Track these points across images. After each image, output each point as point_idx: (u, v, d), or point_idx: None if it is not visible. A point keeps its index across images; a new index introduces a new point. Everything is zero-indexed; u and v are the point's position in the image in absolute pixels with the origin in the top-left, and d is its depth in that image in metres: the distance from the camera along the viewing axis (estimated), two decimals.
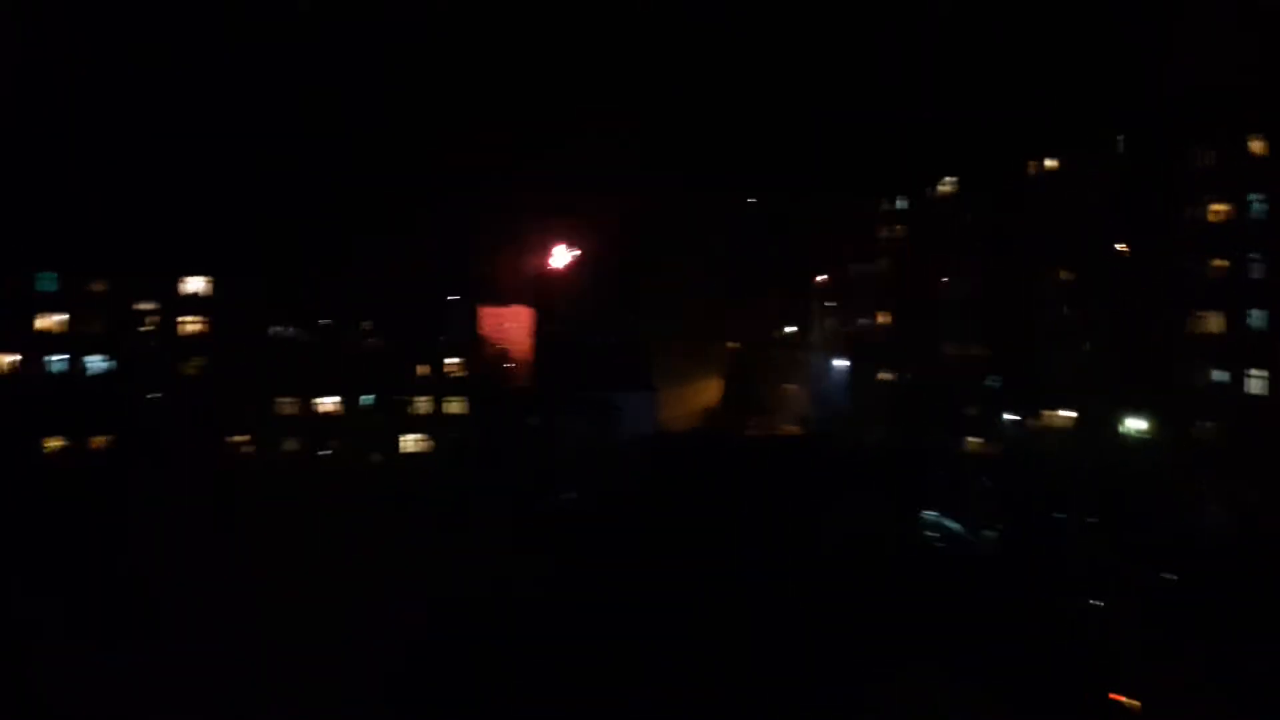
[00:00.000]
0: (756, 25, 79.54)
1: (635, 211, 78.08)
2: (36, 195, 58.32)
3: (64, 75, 60.99)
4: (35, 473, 56.30)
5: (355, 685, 30.65)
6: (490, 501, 49.54)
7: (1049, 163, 59.97)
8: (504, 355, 70.53)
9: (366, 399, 62.94)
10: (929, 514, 47.88)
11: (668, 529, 44.26)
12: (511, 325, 71.69)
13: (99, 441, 59.46)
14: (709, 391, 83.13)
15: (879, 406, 69.38)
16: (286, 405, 61.69)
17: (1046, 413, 57.03)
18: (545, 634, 34.22)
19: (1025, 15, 61.67)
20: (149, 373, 60.09)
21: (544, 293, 76.02)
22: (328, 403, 62.45)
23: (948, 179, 67.85)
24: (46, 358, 59.26)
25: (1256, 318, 46.70)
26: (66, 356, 59.62)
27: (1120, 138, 55.10)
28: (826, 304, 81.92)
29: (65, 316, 59.42)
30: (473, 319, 66.37)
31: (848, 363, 76.30)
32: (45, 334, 59.01)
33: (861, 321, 76.52)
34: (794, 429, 77.80)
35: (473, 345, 65.69)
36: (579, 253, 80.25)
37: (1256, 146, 47.18)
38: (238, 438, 60.68)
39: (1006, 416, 59.66)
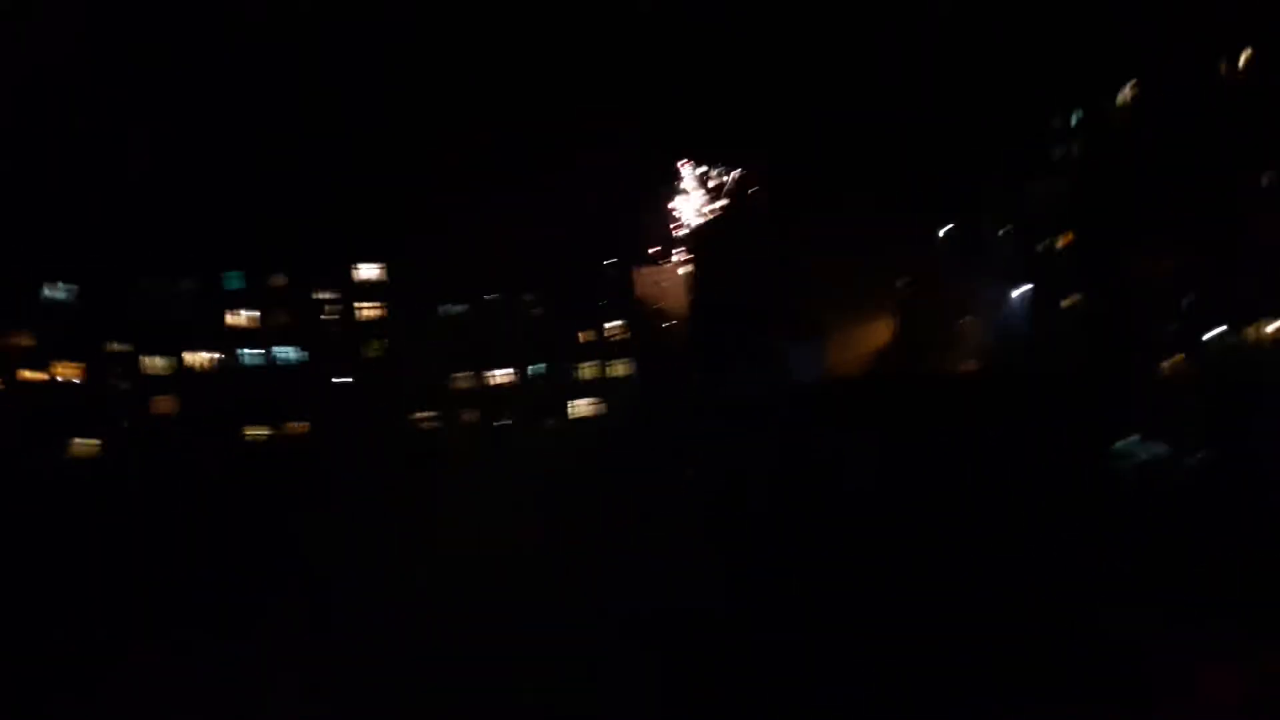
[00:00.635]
0: None
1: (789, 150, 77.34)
2: (221, 197, 62.95)
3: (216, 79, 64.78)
4: (239, 460, 61.16)
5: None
6: (657, 461, 51.02)
7: (1243, 59, 56.60)
8: (664, 314, 72.00)
9: (536, 368, 65.72)
10: (1127, 442, 46.44)
11: (845, 482, 44.55)
12: (669, 284, 72.97)
13: (297, 427, 64.08)
14: (881, 332, 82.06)
15: (1065, 333, 67.25)
16: (462, 380, 65.15)
17: (1252, 327, 54.29)
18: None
19: None
20: (335, 359, 64.50)
21: (700, 248, 76.69)
22: (500, 375, 65.58)
23: (1128, 85, 64.78)
24: (240, 351, 64.27)
25: None
26: (260, 350, 64.45)
27: None
28: (1001, 231, 79.52)
29: (255, 313, 64.30)
30: (630, 280, 68.08)
31: (1027, 290, 74.02)
32: (237, 329, 64.09)
33: (1040, 246, 74.04)
34: (973, 365, 76.11)
35: (632, 307, 67.49)
36: (728, 202, 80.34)
37: None
38: (421, 414, 64.48)
39: (1208, 333, 57.07)
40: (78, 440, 59.15)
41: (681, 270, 74.01)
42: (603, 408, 64.80)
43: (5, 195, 57.94)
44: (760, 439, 53.18)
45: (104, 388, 62.03)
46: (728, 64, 72.53)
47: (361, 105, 66.08)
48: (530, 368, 64.98)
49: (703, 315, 72.41)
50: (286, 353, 64.17)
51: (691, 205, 79.24)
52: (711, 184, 79.07)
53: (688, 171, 76.80)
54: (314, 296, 64.50)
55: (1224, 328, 55.93)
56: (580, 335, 66.00)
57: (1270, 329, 53.49)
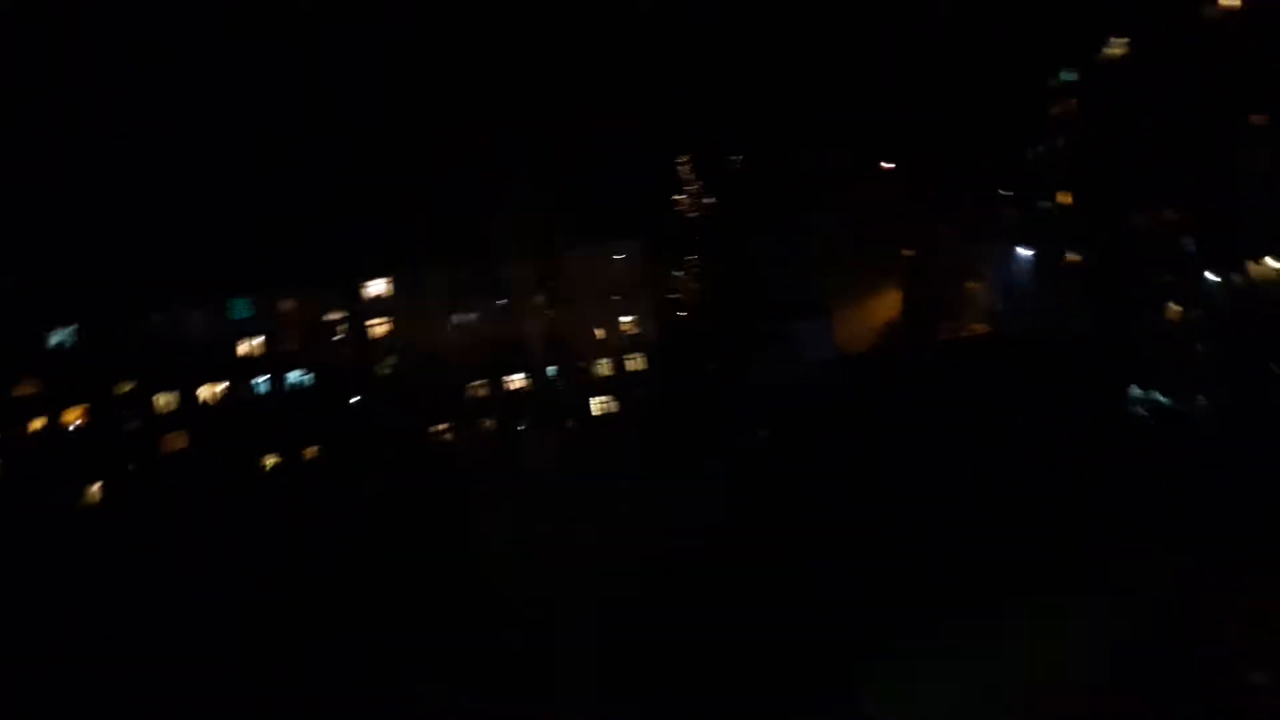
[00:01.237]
0: None
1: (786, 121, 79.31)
2: (221, 223, 64.81)
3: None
4: (260, 488, 63.11)
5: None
6: (684, 453, 53.12)
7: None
8: (674, 306, 74.16)
9: (551, 370, 67.95)
10: (1136, 390, 48.85)
11: (870, 456, 46.63)
12: (676, 274, 75.19)
13: (310, 452, 66.01)
14: (889, 303, 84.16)
15: (1070, 289, 69.55)
16: (478, 388, 67.33)
17: (1252, 265, 56.46)
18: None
19: None
20: (346, 379, 66.56)
21: (705, 236, 78.77)
22: (516, 379, 67.82)
23: (1116, 40, 67.12)
24: (252, 380, 66.19)
25: None
26: (267, 376, 66.36)
27: None
28: (1001, 192, 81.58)
29: (261, 339, 66.26)
30: (639, 274, 70.20)
31: (1030, 250, 76.36)
32: (247, 358, 66.09)
33: (1041, 204, 76.28)
34: (983, 328, 78.39)
35: (643, 300, 69.59)
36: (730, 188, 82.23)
37: None
38: (438, 426, 66.63)
39: (1209, 276, 59.24)
40: (85, 486, 60.86)
41: (687, 260, 76.27)
42: (621, 405, 67.20)
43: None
44: (783, 423, 55.49)
45: (111, 429, 63.75)
46: (723, 47, 74.74)
47: (357, 113, 68.10)
48: (547, 369, 67.29)
49: (711, 304, 74.65)
50: (298, 377, 66.20)
51: (694, 194, 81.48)
52: (713, 171, 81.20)
53: (690, 160, 78.91)
54: (323, 317, 66.68)
55: (1222, 272, 58.13)
56: (596, 332, 68.51)
57: (1271, 264, 55.61)
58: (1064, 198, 73.62)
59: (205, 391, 65.47)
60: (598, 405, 68.32)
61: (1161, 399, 47.88)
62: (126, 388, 63.89)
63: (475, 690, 34.15)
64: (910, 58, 78.54)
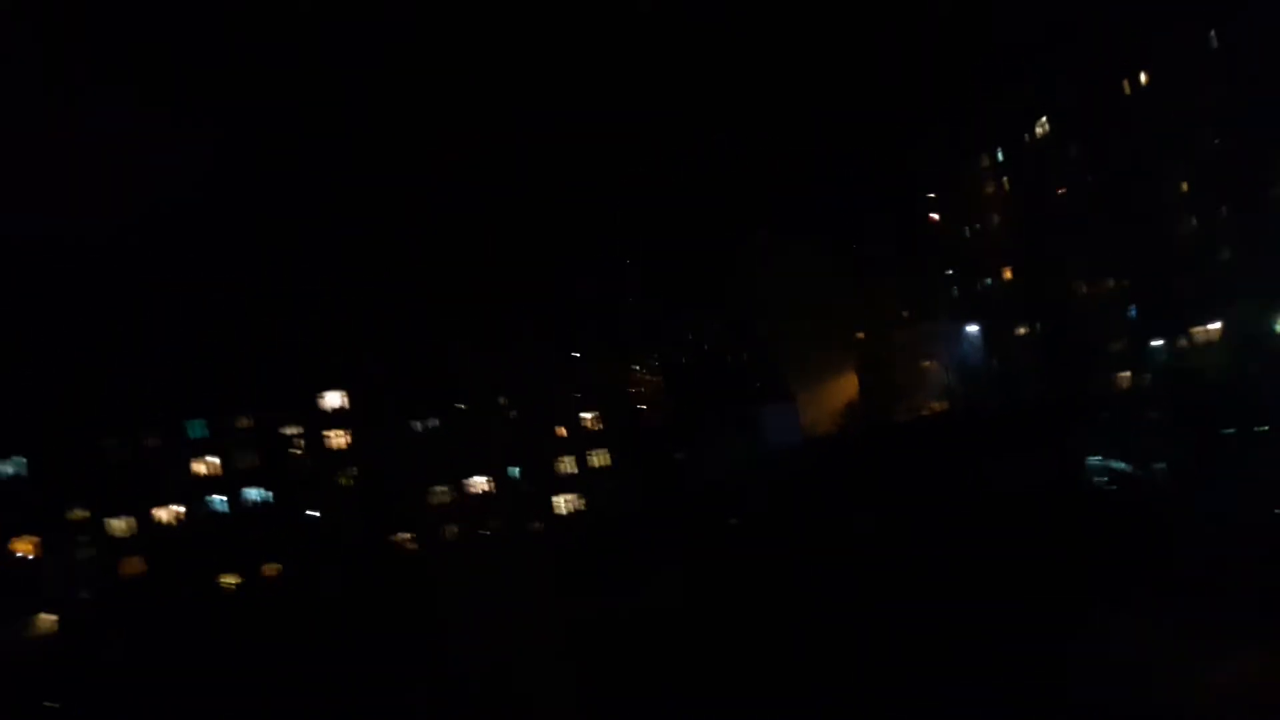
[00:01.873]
0: None
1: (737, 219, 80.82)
2: (174, 344, 64.42)
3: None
4: (219, 611, 61.73)
5: None
6: (657, 541, 52.88)
7: (1143, 78, 61.45)
8: (636, 399, 74.47)
9: (513, 470, 67.65)
10: (1094, 459, 49.55)
11: (837, 534, 46.75)
12: (637, 369, 75.67)
13: (270, 570, 64.95)
14: (846, 387, 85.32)
15: (1021, 363, 70.93)
16: (440, 494, 66.82)
17: (1195, 329, 58.08)
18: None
19: None
20: (305, 493, 65.86)
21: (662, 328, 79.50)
22: (479, 482, 67.42)
23: (1042, 119, 69.66)
24: (208, 498, 65.36)
25: None
26: (225, 497, 65.56)
27: (1213, 33, 56.24)
28: (947, 273, 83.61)
29: (217, 460, 65.62)
30: (599, 371, 70.69)
31: (979, 327, 77.94)
32: (204, 478, 65.31)
33: (986, 282, 78.19)
34: (940, 405, 79.49)
35: (606, 395, 69.90)
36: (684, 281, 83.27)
37: None
38: (400, 535, 65.91)
39: (1153, 343, 60.81)
40: (38, 616, 59.36)
41: (646, 353, 76.78)
42: (586, 502, 66.89)
43: None
44: (752, 508, 55.54)
45: (63, 559, 62.42)
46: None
47: (299, 227, 68.42)
48: (509, 470, 66.97)
49: (674, 395, 75.03)
50: (256, 494, 65.52)
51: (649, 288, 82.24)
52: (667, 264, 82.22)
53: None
54: (280, 432, 66.24)
55: (1166, 337, 59.76)
56: (557, 430, 68.27)
57: (1211, 328, 57.24)
58: (1006, 273, 75.56)
59: (163, 513, 64.42)
60: (564, 503, 67.94)
61: (1120, 465, 48.60)
62: (80, 514, 62.52)
63: None
64: (850, 144, 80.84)
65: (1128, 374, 62.93)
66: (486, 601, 48.20)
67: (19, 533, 61.49)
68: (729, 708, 34.11)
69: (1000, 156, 74.69)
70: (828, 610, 40.13)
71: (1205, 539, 37.93)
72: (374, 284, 67.07)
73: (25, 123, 62.83)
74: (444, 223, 70.18)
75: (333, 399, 67.27)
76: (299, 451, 66.86)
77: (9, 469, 61.96)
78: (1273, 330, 52.71)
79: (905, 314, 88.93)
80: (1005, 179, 74.81)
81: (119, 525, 63.60)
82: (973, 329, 78.71)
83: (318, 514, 66.21)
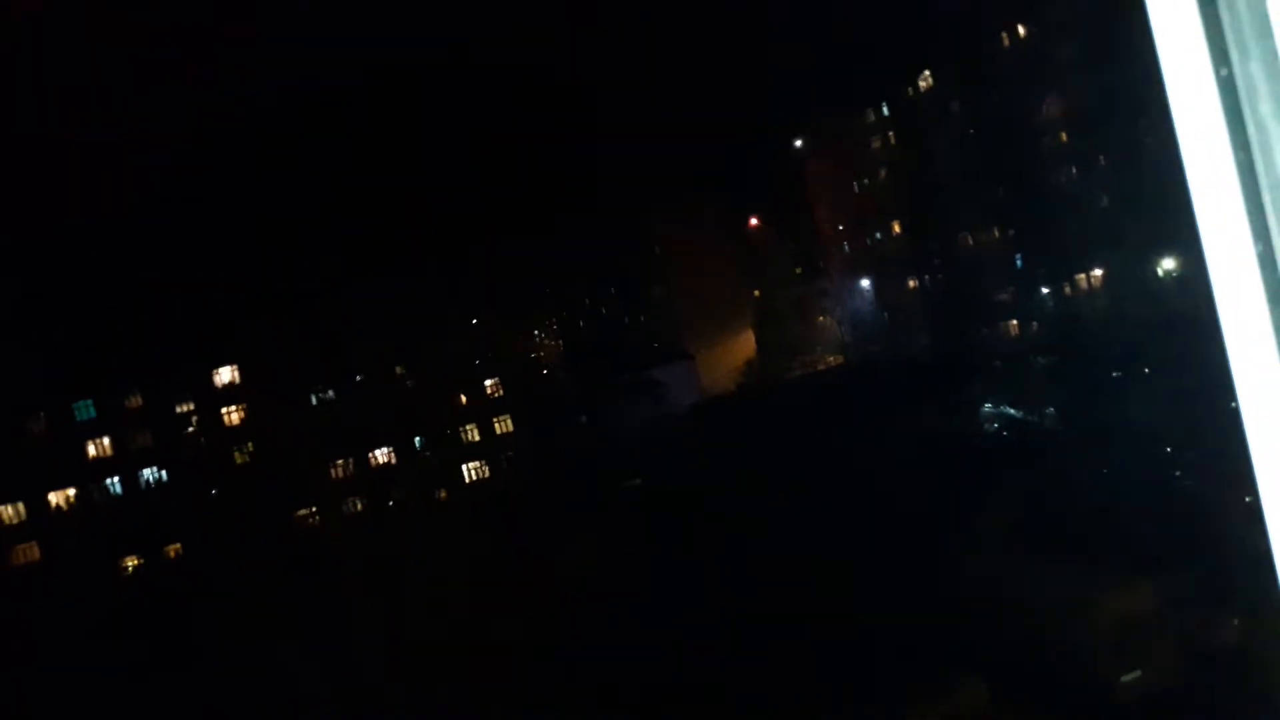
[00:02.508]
0: None
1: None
2: (58, 323, 61.06)
3: None
4: (122, 593, 59.25)
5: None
6: (562, 503, 52.03)
7: (1021, 29, 61.77)
8: (537, 363, 73.31)
9: (418, 440, 65.84)
10: (987, 407, 50.03)
11: (739, 491, 46.47)
12: (536, 332, 74.46)
13: (172, 549, 62.49)
14: (744, 344, 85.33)
15: (913, 315, 71.51)
16: (341, 467, 64.72)
17: (1079, 276, 58.86)
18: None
19: None
20: (202, 471, 63.24)
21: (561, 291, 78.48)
22: (381, 454, 65.44)
23: (924, 72, 69.72)
24: (105, 481, 62.43)
25: None
26: (117, 478, 62.69)
27: None
28: (839, 228, 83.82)
29: (107, 440, 62.60)
30: (499, 335, 69.11)
31: (871, 281, 78.41)
32: (99, 459, 62.28)
33: (876, 236, 78.52)
34: (836, 359, 79.99)
35: (506, 362, 68.37)
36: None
37: None
38: (303, 511, 63.77)
39: (1040, 291, 61.58)
40: None
41: (545, 317, 75.57)
42: (493, 469, 65.34)
43: None
44: (655, 468, 54.99)
45: None
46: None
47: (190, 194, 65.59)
48: (415, 439, 65.03)
49: (574, 358, 74.02)
50: (151, 473, 62.69)
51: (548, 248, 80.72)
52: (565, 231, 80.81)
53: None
54: (173, 409, 63.22)
55: (1052, 285, 60.57)
56: (461, 398, 66.36)
57: (1095, 275, 58.12)
58: (895, 227, 75.93)
59: (55, 497, 61.46)
60: (469, 471, 66.43)
61: (1011, 412, 49.09)
62: None
63: None
64: (739, 101, 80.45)
65: (1016, 322, 63.72)
66: (397, 575, 47.08)
67: None
68: (648, 667, 33.77)
69: (885, 111, 74.68)
70: (732, 566, 39.92)
71: (1095, 481, 38.50)
72: (263, 254, 64.52)
73: None
74: (337, 189, 68.07)
75: (225, 374, 64.59)
76: (193, 429, 64.20)
77: None
78: (1153, 274, 53.67)
79: (798, 270, 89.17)
80: (891, 133, 74.87)
81: (9, 512, 60.45)
82: (864, 283, 79.16)
83: (215, 492, 63.78)
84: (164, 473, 63.61)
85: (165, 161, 66.17)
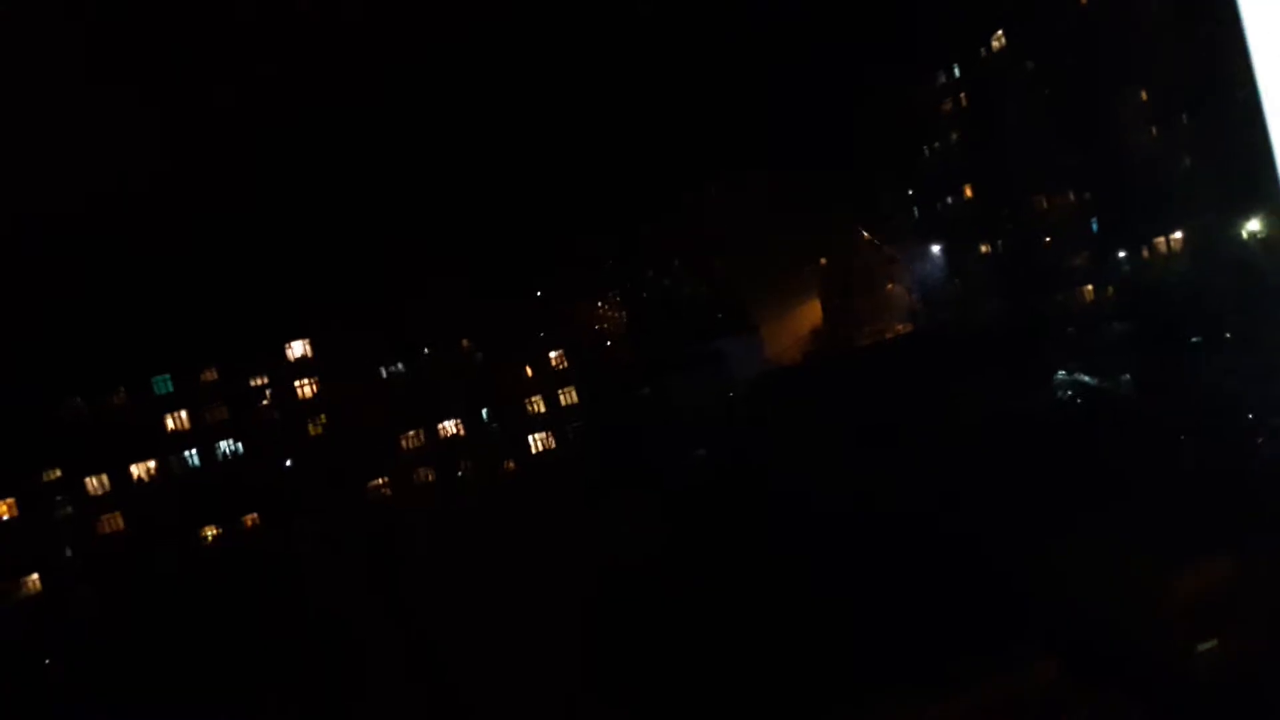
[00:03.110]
0: None
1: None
2: (134, 300, 62.56)
3: None
4: (202, 564, 60.92)
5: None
6: (628, 479, 52.14)
7: None
8: (600, 336, 73.44)
9: (484, 411, 66.67)
10: (1060, 374, 48.97)
11: (807, 462, 46.09)
12: (600, 306, 74.50)
13: (249, 519, 63.98)
14: (810, 314, 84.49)
15: (984, 281, 70.08)
16: (412, 438, 65.75)
17: (1157, 240, 57.21)
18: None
19: None
20: (277, 443, 64.63)
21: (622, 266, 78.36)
22: (449, 425, 66.37)
23: (998, 32, 68.02)
24: (183, 454, 64.07)
25: None
26: (194, 450, 64.29)
27: None
28: (907, 194, 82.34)
29: (184, 413, 64.21)
30: (561, 309, 69.44)
31: (941, 247, 76.96)
32: (177, 433, 63.93)
33: (946, 201, 76.95)
34: (905, 327, 78.77)
35: (571, 334, 68.71)
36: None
37: None
38: (374, 480, 64.88)
39: (1116, 255, 59.94)
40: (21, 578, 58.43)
41: (609, 290, 75.60)
42: (557, 441, 65.92)
43: None
44: (719, 440, 54.91)
45: (40, 518, 61.33)
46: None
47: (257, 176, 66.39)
48: (483, 411, 65.95)
49: (638, 330, 74.00)
50: (228, 446, 64.19)
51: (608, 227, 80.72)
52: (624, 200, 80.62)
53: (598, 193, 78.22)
54: (249, 383, 64.72)
55: (1129, 250, 58.88)
56: (526, 370, 67.10)
57: (1174, 238, 56.42)
58: (966, 191, 74.33)
59: (137, 469, 63.15)
60: (534, 442, 67.02)
61: (1086, 379, 48.00)
62: (54, 474, 61.23)
63: None
64: (805, 67, 79.04)
65: (1090, 287, 62.10)
66: (468, 546, 47.67)
67: None
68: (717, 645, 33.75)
69: (957, 72, 72.94)
70: (802, 537, 39.65)
71: (1171, 449, 37.60)
72: (333, 229, 65.25)
73: None
74: (404, 165, 68.49)
75: (297, 348, 65.82)
76: (267, 403, 65.51)
77: None
78: (1234, 237, 51.94)
79: (867, 237, 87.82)
80: (963, 95, 73.18)
81: (93, 483, 62.28)
82: (935, 249, 77.71)
83: (289, 463, 65.09)
84: (239, 445, 64.87)
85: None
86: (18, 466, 60.53)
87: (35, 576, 59.41)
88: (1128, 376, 46.81)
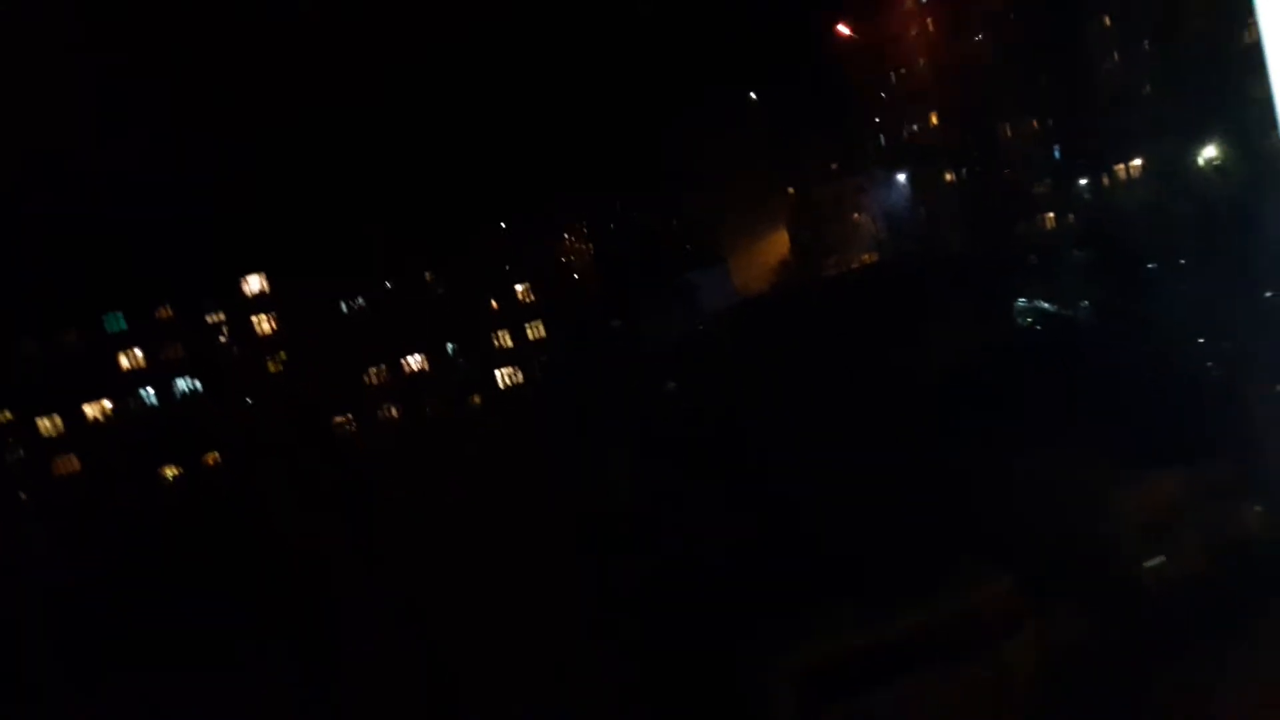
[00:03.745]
0: None
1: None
2: (86, 236, 62.14)
3: None
4: (165, 502, 61.33)
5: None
6: (600, 410, 52.88)
7: None
8: (567, 269, 73.81)
9: (450, 346, 67.03)
10: (1021, 301, 50.19)
11: (776, 393, 47.04)
12: (566, 237, 74.71)
13: (211, 458, 64.32)
14: (777, 245, 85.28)
15: (949, 209, 71.17)
16: (375, 374, 66.12)
17: (1117, 167, 58.38)
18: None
19: None
20: (237, 380, 64.82)
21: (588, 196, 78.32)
22: (414, 361, 66.72)
23: None
24: (139, 392, 64.14)
25: None
26: (151, 389, 64.33)
27: None
28: (875, 120, 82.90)
29: (139, 351, 64.14)
30: (528, 241, 69.67)
31: (906, 176, 77.87)
32: (132, 371, 63.95)
33: (911, 129, 77.75)
34: (871, 257, 79.84)
35: (539, 267, 69.01)
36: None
37: None
38: (339, 418, 65.33)
39: (1079, 182, 61.14)
40: None
41: (575, 221, 75.78)
42: (526, 374, 66.53)
43: None
44: (689, 373, 55.63)
45: None
46: None
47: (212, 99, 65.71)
48: (447, 346, 66.28)
49: (606, 263, 74.37)
50: (186, 384, 64.30)
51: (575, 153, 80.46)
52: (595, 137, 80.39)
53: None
54: (205, 320, 64.65)
55: (1090, 177, 60.05)
56: (491, 303, 67.42)
57: (1134, 165, 57.57)
58: (931, 119, 75.14)
59: (91, 409, 63.22)
60: (501, 377, 67.68)
61: (1046, 306, 49.24)
62: (4, 416, 61.21)
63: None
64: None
65: (1052, 215, 63.39)
66: (436, 483, 48.35)
67: None
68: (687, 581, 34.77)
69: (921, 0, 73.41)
70: (772, 469, 40.67)
71: (1125, 374, 38.82)
72: (291, 160, 64.88)
73: None
74: (369, 94, 67.96)
75: (254, 283, 65.73)
76: (224, 339, 65.60)
77: None
78: (1194, 164, 53.14)
79: (833, 167, 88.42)
80: (927, 21, 73.67)
81: (46, 424, 62.26)
82: (900, 178, 78.62)
83: (250, 400, 65.31)
84: (198, 383, 65.01)
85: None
86: None
87: None
88: (1086, 303, 48.10)
